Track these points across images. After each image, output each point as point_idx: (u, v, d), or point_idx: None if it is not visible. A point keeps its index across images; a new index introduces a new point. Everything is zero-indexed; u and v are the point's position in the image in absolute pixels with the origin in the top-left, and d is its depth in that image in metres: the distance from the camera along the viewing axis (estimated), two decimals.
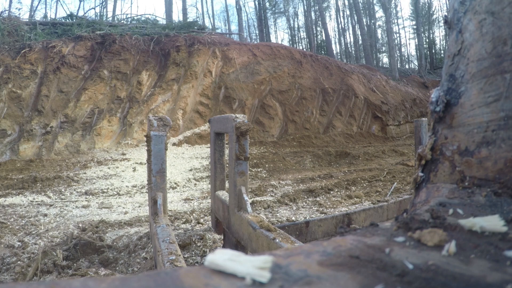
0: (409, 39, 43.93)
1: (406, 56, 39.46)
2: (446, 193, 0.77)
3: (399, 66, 25.97)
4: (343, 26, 36.82)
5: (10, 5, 18.80)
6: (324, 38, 28.44)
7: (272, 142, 11.09)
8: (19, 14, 15.77)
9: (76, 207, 4.69)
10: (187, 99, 11.07)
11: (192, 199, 5.04)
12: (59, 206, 4.69)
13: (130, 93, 10.57)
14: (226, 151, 3.06)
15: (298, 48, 27.01)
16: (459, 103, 0.81)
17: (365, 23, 29.43)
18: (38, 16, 18.51)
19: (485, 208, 0.67)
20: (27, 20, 13.07)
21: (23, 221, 3.95)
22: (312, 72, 13.43)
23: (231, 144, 2.49)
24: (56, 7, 41.79)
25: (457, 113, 0.81)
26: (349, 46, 36.46)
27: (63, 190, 5.69)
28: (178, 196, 5.28)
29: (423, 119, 5.65)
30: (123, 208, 4.63)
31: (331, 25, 42.26)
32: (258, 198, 4.91)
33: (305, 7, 31.05)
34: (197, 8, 36.20)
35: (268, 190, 5.50)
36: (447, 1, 32.03)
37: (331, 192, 5.26)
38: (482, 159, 0.74)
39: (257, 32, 31.35)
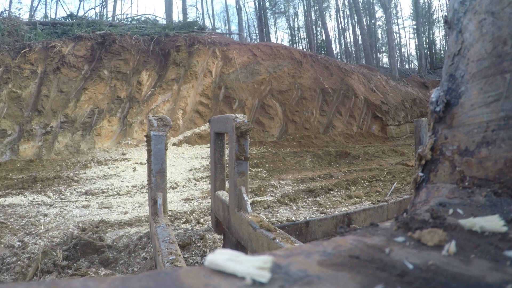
0: (409, 39, 43.99)
1: (406, 56, 39.48)
2: (446, 193, 0.77)
3: (399, 66, 25.96)
4: (343, 26, 36.84)
5: (10, 5, 18.80)
6: (324, 38, 28.44)
7: (272, 142, 11.09)
8: (19, 14, 15.78)
9: (76, 207, 4.69)
10: (187, 99, 11.07)
11: (192, 199, 5.04)
12: (59, 206, 4.69)
13: (130, 93, 10.57)
14: (226, 151, 3.06)
15: (298, 48, 27.01)
16: (459, 103, 0.81)
17: (365, 23, 29.42)
18: (38, 16, 18.50)
19: (485, 208, 0.67)
20: (27, 20, 13.07)
21: (23, 221, 3.95)
22: (312, 72, 13.43)
23: (231, 144, 2.49)
24: (56, 7, 41.79)
25: (457, 113, 0.81)
26: (349, 46, 36.48)
27: (63, 190, 5.69)
28: (178, 196, 5.28)
29: (423, 119, 5.65)
30: (123, 208, 4.63)
31: (331, 25, 42.28)
32: (258, 198, 4.91)
33: (305, 7, 31.05)
34: (197, 8, 36.20)
35: (268, 190, 5.50)
36: (447, 1, 32.02)
37: (331, 192, 5.26)
38: (482, 159, 0.74)
39: (257, 32, 31.36)
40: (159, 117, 2.74)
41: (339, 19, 37.28)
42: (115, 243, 3.15)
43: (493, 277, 0.42)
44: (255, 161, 7.99)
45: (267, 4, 33.73)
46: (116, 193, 5.53)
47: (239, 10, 26.14)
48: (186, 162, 8.14)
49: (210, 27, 26.29)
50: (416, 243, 0.53)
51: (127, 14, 30.32)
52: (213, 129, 3.15)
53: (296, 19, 38.18)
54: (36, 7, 22.46)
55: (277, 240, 1.73)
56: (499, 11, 0.73)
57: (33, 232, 3.54)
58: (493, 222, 0.58)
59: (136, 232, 3.44)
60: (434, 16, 34.59)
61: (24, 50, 9.81)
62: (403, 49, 39.03)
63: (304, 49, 25.76)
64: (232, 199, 2.49)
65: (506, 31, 0.71)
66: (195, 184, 6.23)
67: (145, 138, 4.07)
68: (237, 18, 27.58)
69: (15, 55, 9.73)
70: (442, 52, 32.24)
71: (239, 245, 2.37)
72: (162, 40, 11.87)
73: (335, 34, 38.79)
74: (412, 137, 13.25)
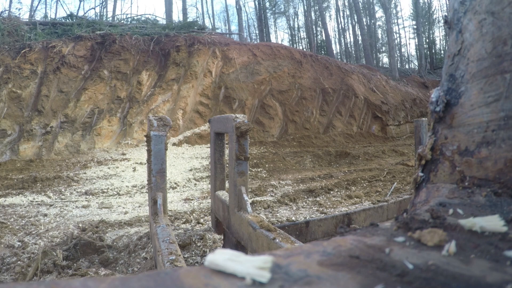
0: (409, 39, 43.99)
1: (406, 56, 39.47)
2: (446, 193, 0.77)
3: (399, 66, 25.96)
4: (343, 26, 36.84)
5: (10, 5, 18.80)
6: (324, 38, 28.44)
7: (272, 142, 11.09)
8: (19, 14, 15.77)
9: (76, 207, 4.69)
10: (187, 99, 11.07)
11: (192, 199, 5.04)
12: (59, 206, 4.69)
13: (130, 93, 10.57)
14: (226, 151, 3.06)
15: (298, 48, 27.00)
16: (459, 103, 0.81)
17: (365, 23, 29.42)
18: (38, 16, 18.50)
19: (485, 208, 0.67)
20: (27, 20, 13.07)
21: (23, 221, 3.95)
22: (312, 72, 13.43)
23: (231, 144, 2.49)
24: (56, 7, 41.78)
25: (457, 113, 0.81)
26: (349, 46, 36.47)
27: (63, 190, 5.69)
28: (178, 196, 5.28)
29: (423, 119, 5.65)
30: (123, 208, 4.63)
31: (331, 25, 42.27)
32: (258, 198, 4.91)
33: (305, 7, 31.05)
34: (197, 8, 36.20)
35: (268, 190, 5.50)
36: (447, 1, 32.01)
37: (331, 192, 5.26)
38: (482, 159, 0.74)
39: (257, 32, 31.36)
40: (159, 117, 2.74)
41: (339, 19, 37.30)
42: (115, 243, 3.15)
43: (493, 277, 0.42)
44: (255, 161, 7.99)
45: (267, 4, 33.73)
46: (116, 193, 5.53)
47: (239, 10, 26.14)
48: (186, 162, 8.14)
49: (210, 27, 26.29)
50: (416, 243, 0.53)
51: (127, 14, 30.32)
52: (213, 129, 3.15)
53: (296, 19, 38.20)
54: (36, 7, 22.46)
55: (277, 240, 1.73)
56: (499, 11, 0.73)
57: (33, 232, 3.54)
58: (493, 222, 0.58)
59: (136, 232, 3.44)
60: (434, 16, 34.60)
61: (24, 50, 9.81)
62: (403, 49, 39.05)
63: (304, 49, 25.76)
64: (232, 199, 2.49)
65: (506, 31, 0.71)
66: (195, 184, 6.23)
67: (145, 138, 4.07)
68: (237, 18, 27.59)
69: (15, 55, 9.73)
70: (442, 52, 32.23)
71: (239, 245, 2.37)
72: (162, 40, 11.87)
73: (335, 34, 38.81)
74: (412, 137, 13.24)
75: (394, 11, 35.95)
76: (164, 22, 16.31)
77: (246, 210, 2.32)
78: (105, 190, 5.61)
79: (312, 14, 31.24)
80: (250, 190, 5.28)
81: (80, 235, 3.24)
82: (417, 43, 30.85)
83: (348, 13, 35.02)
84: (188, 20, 19.16)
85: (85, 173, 6.99)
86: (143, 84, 10.80)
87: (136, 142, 9.73)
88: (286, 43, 37.53)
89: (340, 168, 7.66)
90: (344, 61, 22.04)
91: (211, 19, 34.52)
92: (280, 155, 8.82)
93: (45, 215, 4.22)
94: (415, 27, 31.88)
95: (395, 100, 14.82)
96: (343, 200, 4.75)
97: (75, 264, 2.75)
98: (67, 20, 13.26)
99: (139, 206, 4.72)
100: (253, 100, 11.91)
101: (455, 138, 0.80)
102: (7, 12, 13.47)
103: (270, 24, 37.89)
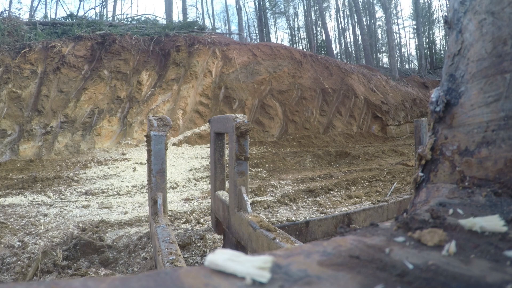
0: (409, 39, 44.01)
1: (406, 56, 39.47)
2: (446, 193, 0.77)
3: (399, 66, 25.96)
4: (343, 26, 36.85)
5: (10, 5, 18.81)
6: (324, 38, 28.43)
7: (272, 142, 11.09)
8: (19, 14, 15.77)
9: (76, 207, 4.69)
10: (187, 99, 11.07)
11: (192, 199, 5.04)
12: (59, 206, 4.69)
13: (130, 93, 10.57)
14: (226, 151, 3.06)
15: (298, 48, 27.00)
16: (459, 103, 0.81)
17: (365, 23, 29.42)
18: (38, 16, 18.50)
19: (485, 208, 0.67)
20: (27, 20, 13.07)
21: (23, 221, 3.95)
22: (312, 72, 13.43)
23: (231, 144, 2.49)
24: (56, 7, 41.78)
25: (457, 113, 0.81)
26: (349, 46, 36.48)
27: (63, 190, 5.69)
28: (178, 196, 5.28)
29: (423, 119, 5.65)
30: (123, 208, 4.63)
31: (331, 25, 42.28)
32: (258, 198, 4.91)
33: (305, 7, 31.05)
34: (197, 8, 36.20)
35: (268, 190, 5.50)
36: (447, 1, 32.01)
37: (331, 192, 5.26)
38: (482, 159, 0.74)
39: (257, 32, 31.36)
40: (159, 117, 2.74)
41: (339, 19, 37.31)
42: (115, 243, 3.15)
43: (493, 277, 0.42)
44: (255, 161, 7.99)
45: (267, 4, 33.73)
46: (116, 193, 5.53)
47: (239, 10, 26.13)
48: (186, 162, 8.14)
49: (210, 27, 26.29)
50: (416, 243, 0.53)
51: (127, 14, 30.31)
52: (213, 129, 3.15)
53: (296, 19, 38.20)
54: (36, 7, 22.46)
55: (277, 240, 1.73)
56: (499, 11, 0.73)
57: (33, 232, 3.54)
58: (493, 222, 0.58)
59: (136, 232, 3.44)
60: (434, 16, 34.60)
61: (24, 50, 9.81)
62: (403, 49, 39.06)
63: (304, 49, 25.76)
64: (232, 199, 2.49)
65: (506, 31, 0.71)
66: (195, 184, 6.23)
67: (145, 138, 4.07)
68: (237, 18, 27.58)
69: (15, 55, 9.73)
70: (442, 52, 32.22)
71: (239, 245, 2.37)
72: (162, 40, 11.86)
73: (335, 34, 38.82)
74: (412, 137, 13.24)
75: (394, 11, 35.97)
76: (164, 22, 16.31)
77: (246, 210, 2.32)
78: (105, 190, 5.61)
79: (312, 14, 31.25)
80: (250, 190, 5.28)
81: (80, 235, 3.24)
82: (417, 43, 30.84)
83: (348, 13, 35.05)
84: (188, 20, 19.16)
85: (85, 173, 6.99)
86: (143, 84, 10.80)
87: (136, 142, 9.73)
88: (286, 43, 37.55)
89: (340, 168, 7.66)
90: (344, 61, 22.04)
91: (211, 19, 34.55)
92: (280, 155, 8.82)
93: (45, 215, 4.22)
94: (415, 27, 31.87)
95: (395, 100, 14.82)
96: (343, 200, 4.74)
97: (75, 264, 2.75)
98: (67, 20, 13.26)
99: (139, 206, 4.72)
100: (253, 100, 11.91)
101: (455, 138, 0.80)
102: (7, 12, 13.46)
103: (270, 24, 37.91)
